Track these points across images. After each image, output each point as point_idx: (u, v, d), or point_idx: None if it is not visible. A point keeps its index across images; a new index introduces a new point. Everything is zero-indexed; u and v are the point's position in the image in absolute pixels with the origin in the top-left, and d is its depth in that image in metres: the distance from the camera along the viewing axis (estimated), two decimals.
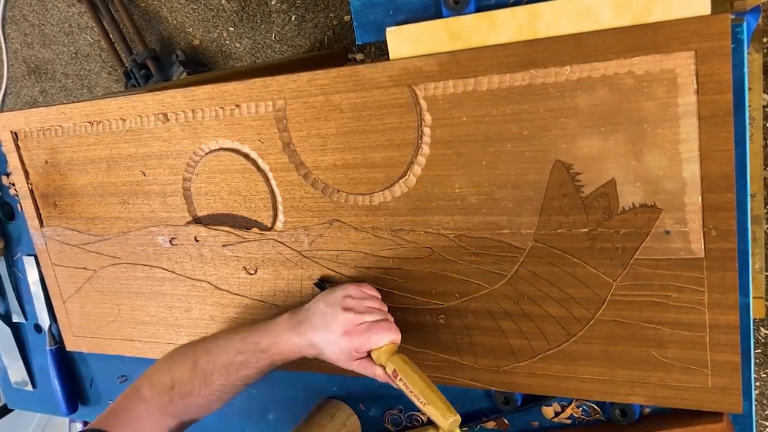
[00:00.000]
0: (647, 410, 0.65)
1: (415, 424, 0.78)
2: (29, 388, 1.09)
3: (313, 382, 0.83)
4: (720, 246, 0.56)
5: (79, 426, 1.74)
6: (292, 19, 1.62)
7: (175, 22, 1.79)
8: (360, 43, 0.69)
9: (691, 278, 0.58)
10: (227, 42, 1.73)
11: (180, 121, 0.77)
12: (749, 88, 0.64)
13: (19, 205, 0.95)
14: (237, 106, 0.73)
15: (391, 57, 0.64)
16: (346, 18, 1.54)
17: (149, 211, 0.83)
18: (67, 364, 1.03)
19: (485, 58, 0.59)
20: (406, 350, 0.72)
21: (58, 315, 0.97)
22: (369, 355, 0.65)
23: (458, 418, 0.60)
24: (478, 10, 0.61)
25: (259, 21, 1.66)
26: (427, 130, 0.64)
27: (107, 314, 0.92)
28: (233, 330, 0.71)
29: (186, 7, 1.76)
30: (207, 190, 0.79)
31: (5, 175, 0.96)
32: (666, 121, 0.55)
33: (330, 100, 0.67)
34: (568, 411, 0.68)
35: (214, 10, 1.72)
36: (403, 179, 0.67)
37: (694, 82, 0.53)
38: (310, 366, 0.79)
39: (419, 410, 0.77)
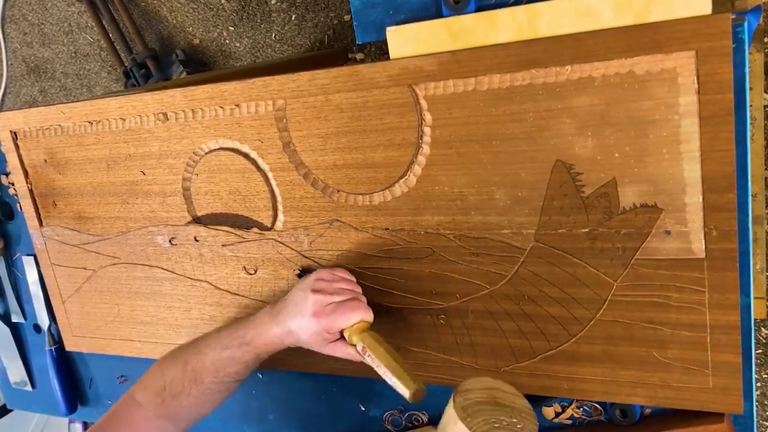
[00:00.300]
0: (648, 411, 0.65)
1: (416, 423, 0.78)
2: (28, 388, 1.09)
3: (313, 382, 0.83)
4: (721, 246, 0.56)
5: (78, 426, 1.74)
6: (293, 18, 1.61)
7: (174, 21, 1.79)
8: (360, 43, 0.69)
9: (691, 278, 0.57)
10: (227, 41, 1.73)
11: (180, 121, 0.77)
12: (750, 88, 0.64)
13: (18, 204, 0.95)
14: (237, 105, 0.73)
15: (391, 56, 0.64)
16: (347, 17, 1.54)
17: (149, 211, 0.83)
18: (66, 364, 1.03)
19: (485, 57, 0.59)
20: (406, 350, 0.72)
21: (57, 315, 0.97)
22: (344, 337, 0.66)
23: (422, 387, 0.60)
24: (479, 9, 0.61)
25: (259, 20, 1.66)
26: (427, 130, 0.64)
27: (107, 314, 0.92)
28: (220, 327, 0.73)
29: (186, 7, 1.76)
30: (207, 190, 0.78)
31: (4, 174, 0.96)
32: (667, 120, 0.55)
33: (330, 99, 0.67)
34: (569, 411, 0.68)
35: (214, 9, 1.72)
36: (403, 179, 0.66)
37: (695, 81, 0.53)
38: (309, 366, 0.79)
39: (418, 410, 0.77)
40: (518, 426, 0.48)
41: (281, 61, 1.61)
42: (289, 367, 0.81)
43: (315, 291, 0.66)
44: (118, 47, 1.86)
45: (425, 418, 0.77)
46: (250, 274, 0.79)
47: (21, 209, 0.94)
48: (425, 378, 0.72)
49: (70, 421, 1.76)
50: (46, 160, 0.88)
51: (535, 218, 0.62)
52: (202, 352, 0.70)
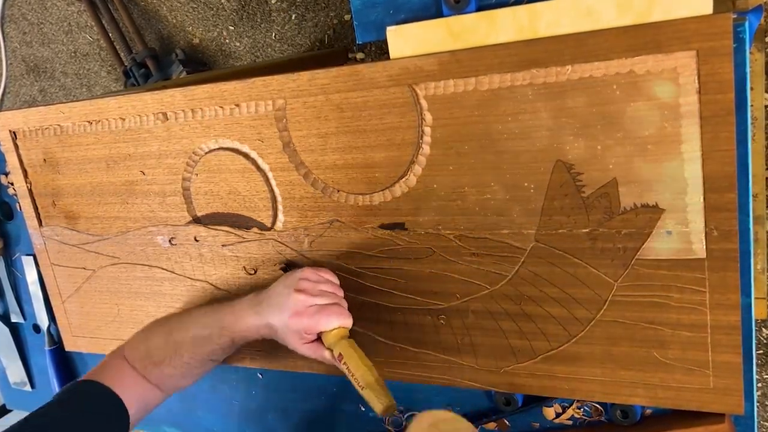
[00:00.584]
0: (648, 411, 0.65)
1: None
2: (28, 388, 1.09)
3: (313, 383, 0.83)
4: (722, 246, 0.56)
5: None
6: (293, 18, 1.61)
7: (174, 20, 1.79)
8: (360, 43, 0.69)
9: (692, 279, 0.57)
10: (227, 41, 1.73)
11: (179, 121, 0.77)
12: (751, 88, 0.64)
13: (17, 204, 0.94)
14: (237, 105, 0.72)
15: (391, 56, 0.64)
16: (347, 17, 1.54)
17: (148, 211, 0.83)
18: (66, 364, 1.03)
19: (486, 57, 0.59)
20: (406, 351, 0.72)
21: (57, 315, 0.97)
22: (321, 339, 0.66)
23: (393, 403, 0.60)
24: (479, 9, 0.61)
25: (259, 20, 1.66)
26: (427, 130, 0.64)
27: (106, 314, 0.92)
28: (206, 306, 0.75)
29: (185, 6, 1.76)
30: (206, 190, 0.78)
31: (4, 174, 0.96)
32: (667, 120, 0.55)
33: (330, 99, 0.67)
34: (570, 412, 0.68)
35: (214, 8, 1.72)
36: (403, 179, 0.66)
37: (696, 81, 0.53)
38: (309, 366, 0.79)
39: (418, 409, 0.77)
40: None
41: (281, 60, 1.61)
42: (288, 367, 0.81)
43: (298, 290, 0.66)
44: (117, 47, 1.86)
45: None
46: (250, 274, 0.79)
47: (20, 209, 0.94)
48: (426, 378, 0.72)
49: None
50: (45, 160, 0.88)
51: (536, 218, 0.62)
52: (185, 327, 0.72)
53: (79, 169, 0.86)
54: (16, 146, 0.90)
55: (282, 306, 0.66)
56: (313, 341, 0.67)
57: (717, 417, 0.60)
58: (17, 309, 1.04)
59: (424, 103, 0.63)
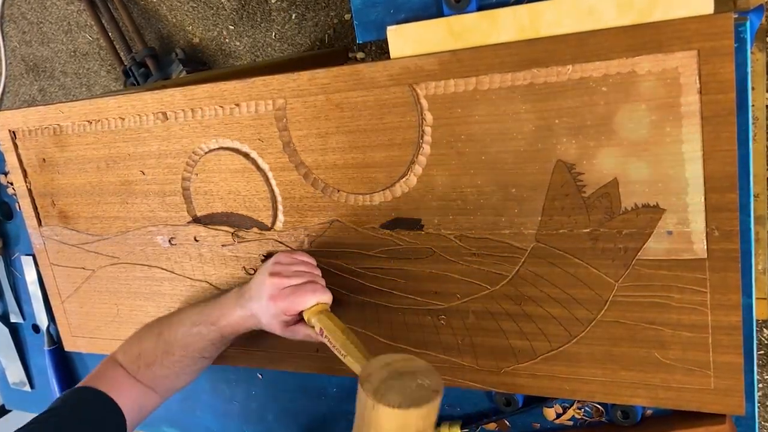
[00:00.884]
0: (649, 412, 0.64)
1: None
2: (27, 388, 1.08)
3: (313, 383, 0.82)
4: (723, 247, 0.56)
5: None
6: (293, 17, 1.61)
7: (174, 20, 1.79)
8: (361, 42, 0.69)
9: (693, 279, 0.57)
10: (227, 40, 1.72)
11: (179, 120, 0.76)
12: (752, 88, 0.64)
13: (17, 204, 0.94)
14: (237, 105, 0.72)
15: (391, 56, 0.64)
16: (347, 16, 1.54)
17: (148, 211, 0.83)
18: (65, 364, 1.02)
19: (486, 57, 0.59)
20: (407, 351, 0.72)
21: (56, 315, 0.96)
22: (304, 320, 0.67)
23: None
24: (480, 8, 0.60)
25: (259, 19, 1.66)
26: (428, 130, 0.64)
27: (106, 314, 0.92)
28: (195, 304, 0.76)
29: (185, 5, 1.76)
30: (206, 190, 0.78)
31: (3, 174, 0.96)
32: (668, 120, 0.55)
33: (330, 99, 0.67)
34: (570, 412, 0.68)
35: (214, 8, 1.72)
36: (403, 179, 0.66)
37: (697, 81, 0.53)
38: (309, 366, 0.79)
39: None
40: (426, 383, 0.51)
41: (281, 60, 1.61)
42: (288, 367, 0.80)
43: (272, 274, 0.67)
44: (117, 46, 1.86)
45: None
46: (250, 274, 0.79)
47: (20, 209, 0.93)
48: None
49: None
50: (44, 160, 0.88)
51: (536, 218, 0.62)
52: (175, 326, 0.73)
53: (78, 169, 0.86)
54: (16, 146, 0.89)
55: (260, 293, 0.67)
56: (296, 323, 0.68)
57: (718, 418, 0.60)
58: (16, 309, 1.03)
59: (424, 102, 0.63)
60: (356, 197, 0.69)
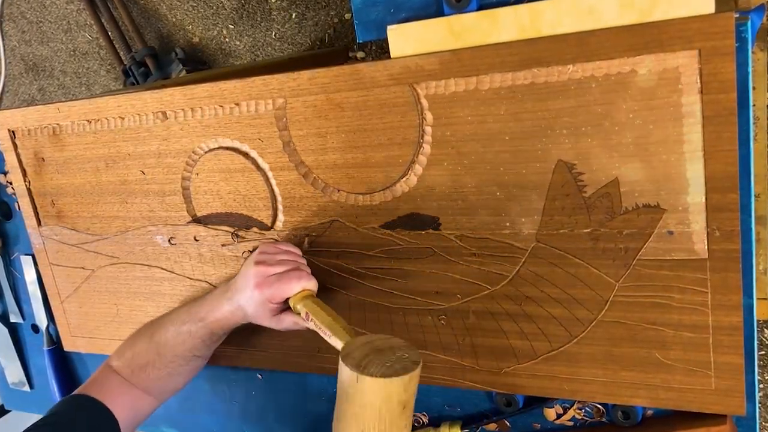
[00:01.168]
0: (650, 412, 0.64)
1: (416, 425, 0.77)
2: (26, 388, 1.08)
3: (313, 383, 0.82)
4: (723, 247, 0.55)
5: None
6: (293, 16, 1.61)
7: (174, 19, 1.79)
8: (361, 42, 0.68)
9: (694, 279, 0.57)
10: (227, 40, 1.72)
11: (179, 120, 0.76)
12: (753, 87, 0.64)
13: (16, 204, 0.94)
14: (237, 104, 0.72)
15: (392, 55, 0.64)
16: (347, 16, 1.54)
17: (148, 211, 0.83)
18: (64, 364, 1.02)
19: (487, 56, 0.59)
20: None
21: (55, 315, 0.96)
22: (290, 309, 0.67)
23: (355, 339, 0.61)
24: (480, 8, 0.60)
25: (259, 19, 1.66)
26: (428, 129, 0.63)
27: (105, 314, 0.92)
28: (184, 304, 0.76)
29: (185, 5, 1.76)
30: (206, 190, 0.78)
31: (2, 173, 0.96)
32: (669, 120, 0.55)
33: (330, 98, 0.67)
34: (570, 413, 0.68)
35: (214, 7, 1.71)
36: (404, 178, 0.66)
37: (698, 81, 0.53)
38: (309, 367, 0.78)
39: (418, 411, 0.76)
40: (405, 356, 0.52)
41: (281, 59, 1.61)
42: (288, 367, 0.80)
43: (257, 263, 0.68)
44: (117, 45, 1.86)
45: (425, 420, 0.76)
46: None
47: (19, 208, 0.93)
48: (426, 379, 0.71)
49: None
50: (44, 159, 0.88)
51: (537, 218, 0.61)
52: (165, 327, 0.74)
53: (78, 169, 0.86)
54: (15, 145, 0.89)
55: (245, 283, 0.68)
56: (282, 312, 0.68)
57: (719, 418, 0.60)
58: (16, 309, 1.03)
59: (424, 102, 0.63)
60: (356, 197, 0.69)
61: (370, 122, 0.66)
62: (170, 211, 0.81)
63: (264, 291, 0.66)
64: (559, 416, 0.68)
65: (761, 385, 1.31)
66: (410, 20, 0.63)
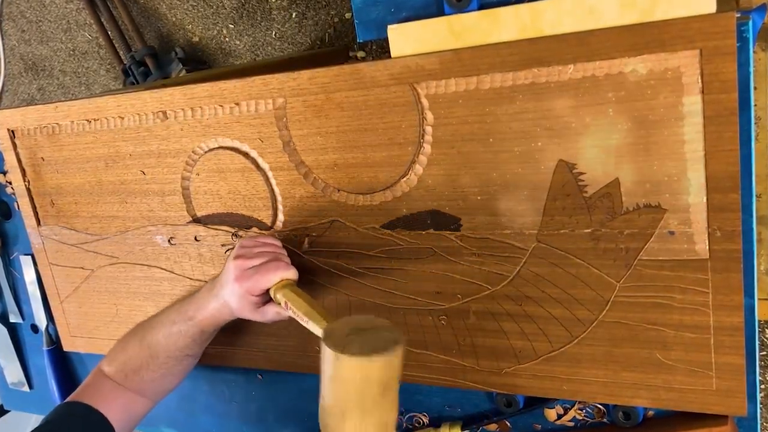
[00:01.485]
0: (651, 413, 0.64)
1: (416, 425, 0.77)
2: (26, 389, 1.08)
3: (313, 383, 0.82)
4: (725, 247, 0.55)
5: None
6: (293, 16, 1.61)
7: (174, 19, 1.79)
8: (361, 41, 0.68)
9: (695, 279, 0.57)
10: (227, 39, 1.72)
11: (179, 120, 0.76)
12: (755, 87, 0.64)
13: (16, 203, 0.94)
14: (236, 104, 0.72)
15: (392, 55, 0.64)
16: (348, 15, 1.54)
17: (147, 210, 0.83)
18: (64, 364, 1.02)
19: (488, 56, 0.59)
20: (407, 352, 0.71)
21: (55, 315, 0.96)
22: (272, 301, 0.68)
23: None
24: (481, 7, 0.60)
25: (259, 18, 1.66)
26: (428, 129, 0.63)
27: (105, 314, 0.91)
28: (173, 304, 0.76)
29: (185, 4, 1.75)
30: (206, 189, 0.78)
31: (2, 173, 0.95)
32: (670, 120, 0.54)
33: (331, 98, 0.67)
34: (571, 413, 0.68)
35: (214, 6, 1.71)
36: (404, 178, 0.66)
37: (699, 81, 0.53)
38: (309, 367, 0.78)
39: (419, 411, 0.76)
40: (387, 335, 0.52)
41: (281, 59, 1.61)
42: (288, 367, 0.80)
43: (236, 257, 0.68)
44: (116, 45, 1.86)
45: (426, 420, 0.76)
46: None
47: (18, 208, 0.93)
48: (427, 380, 0.71)
49: None
50: (43, 159, 0.88)
51: (538, 218, 0.61)
52: (155, 328, 0.74)
53: (77, 168, 0.85)
54: (14, 145, 0.89)
55: (227, 279, 0.68)
56: (264, 304, 0.69)
57: (720, 419, 0.60)
58: (15, 309, 1.03)
59: (425, 102, 0.63)
60: (356, 197, 0.69)
61: (371, 122, 0.65)
62: (170, 211, 0.81)
63: (243, 283, 0.67)
64: (559, 417, 0.68)
65: (762, 386, 1.31)
66: (411, 20, 0.63)
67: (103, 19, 1.85)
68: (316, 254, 0.73)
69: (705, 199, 0.55)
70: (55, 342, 1.00)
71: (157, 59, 1.76)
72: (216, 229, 0.79)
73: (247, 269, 0.67)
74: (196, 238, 0.81)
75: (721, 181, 0.54)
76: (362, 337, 0.51)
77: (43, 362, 1.01)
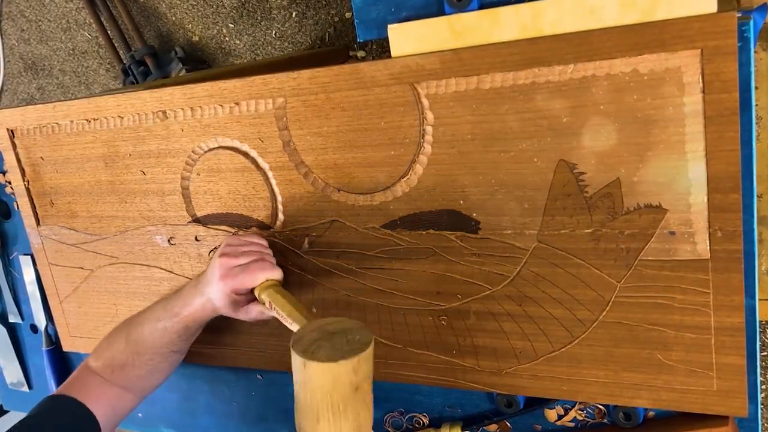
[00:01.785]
0: (651, 413, 0.64)
1: (416, 426, 0.77)
2: (25, 389, 1.08)
3: None
4: (725, 247, 0.55)
5: None
6: (293, 15, 1.61)
7: (174, 18, 1.78)
8: (361, 41, 0.68)
9: (696, 280, 0.57)
10: (227, 39, 1.72)
11: (179, 119, 0.76)
12: (756, 87, 0.64)
13: (15, 203, 0.94)
14: (236, 103, 0.72)
15: (392, 54, 0.63)
16: (348, 15, 1.54)
17: (147, 210, 0.83)
18: (63, 364, 1.02)
19: (488, 56, 0.59)
20: (407, 352, 0.71)
21: (54, 315, 0.96)
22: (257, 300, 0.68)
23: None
24: (481, 7, 0.60)
25: (259, 17, 1.65)
26: (429, 129, 0.63)
27: (105, 314, 0.91)
28: (159, 300, 0.76)
29: (185, 3, 1.75)
30: (206, 189, 0.78)
31: (1, 173, 0.95)
32: (671, 120, 0.54)
33: (331, 98, 0.66)
34: (572, 414, 0.68)
35: (214, 6, 1.71)
36: (404, 178, 0.66)
37: (700, 80, 0.53)
38: None
39: (419, 412, 0.76)
40: (357, 338, 0.51)
41: (281, 58, 1.60)
42: (287, 367, 0.80)
43: (221, 255, 0.68)
44: (116, 44, 1.85)
45: (426, 420, 0.76)
46: None
47: (18, 208, 0.93)
48: (427, 380, 0.71)
49: None
50: (43, 159, 0.87)
51: (538, 218, 0.61)
52: (141, 325, 0.74)
53: (77, 168, 0.85)
54: (14, 144, 0.89)
55: (212, 277, 0.68)
56: (248, 303, 0.69)
57: (720, 419, 0.60)
58: (15, 309, 1.03)
59: (425, 101, 0.62)
60: (357, 197, 0.69)
61: (371, 122, 0.65)
62: (170, 211, 0.81)
63: (228, 282, 0.67)
64: (560, 417, 0.68)
65: (763, 386, 1.30)
66: (411, 19, 0.63)
67: (102, 19, 1.85)
68: (316, 254, 0.73)
69: (706, 200, 0.55)
70: (54, 342, 1.00)
71: (156, 59, 1.76)
72: (216, 229, 0.79)
73: (232, 268, 0.67)
74: (196, 238, 0.80)
75: (722, 181, 0.54)
76: (331, 341, 0.51)
77: (42, 362, 1.01)
